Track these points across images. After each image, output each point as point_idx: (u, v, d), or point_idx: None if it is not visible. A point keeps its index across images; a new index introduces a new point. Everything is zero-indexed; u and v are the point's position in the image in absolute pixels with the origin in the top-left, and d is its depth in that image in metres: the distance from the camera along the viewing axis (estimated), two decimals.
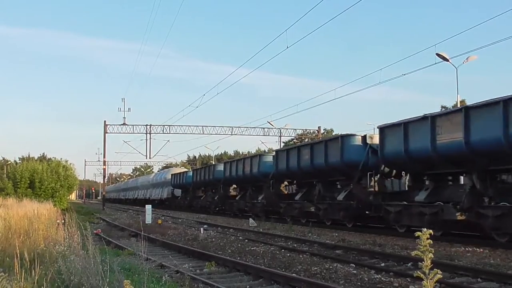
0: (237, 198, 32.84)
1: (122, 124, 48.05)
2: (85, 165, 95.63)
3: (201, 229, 19.70)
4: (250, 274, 9.66)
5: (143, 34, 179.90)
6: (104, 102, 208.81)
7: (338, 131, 66.17)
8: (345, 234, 17.86)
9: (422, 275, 2.83)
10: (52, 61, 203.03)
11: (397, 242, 14.65)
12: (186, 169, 57.32)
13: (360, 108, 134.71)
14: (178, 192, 49.75)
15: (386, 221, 18.17)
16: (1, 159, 69.13)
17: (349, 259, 11.58)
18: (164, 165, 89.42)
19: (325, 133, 62.64)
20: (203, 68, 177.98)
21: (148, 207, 26.17)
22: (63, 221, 11.61)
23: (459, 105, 33.79)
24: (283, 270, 10.05)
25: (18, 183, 38.07)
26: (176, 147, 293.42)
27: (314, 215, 22.92)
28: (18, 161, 54.56)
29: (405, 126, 15.93)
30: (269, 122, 49.30)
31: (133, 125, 48.36)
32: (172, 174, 51.14)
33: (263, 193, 27.73)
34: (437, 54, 26.72)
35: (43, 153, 63.59)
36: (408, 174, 16.88)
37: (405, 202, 16.72)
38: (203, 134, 49.47)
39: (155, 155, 52.97)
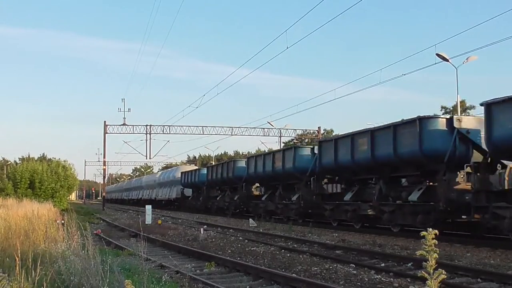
0: (263, 198, 28.70)
1: (122, 125, 48.08)
2: (85, 165, 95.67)
3: (201, 229, 19.69)
4: (250, 274, 9.66)
5: (143, 34, 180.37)
6: (104, 102, 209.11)
7: (338, 131, 66.23)
8: (345, 235, 17.86)
9: (426, 275, 2.82)
10: (52, 61, 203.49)
11: (397, 243, 14.66)
12: (196, 167, 53.70)
13: (360, 108, 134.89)
14: (188, 191, 46.04)
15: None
16: (1, 159, 69.18)
17: (349, 259, 11.57)
18: (164, 165, 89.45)
19: (325, 133, 62.62)
20: (203, 68, 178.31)
21: (148, 207, 26.17)
22: (63, 221, 11.62)
23: (459, 105, 33.85)
24: (283, 270, 10.05)
25: (18, 183, 38.07)
26: (176, 147, 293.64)
27: (372, 219, 19.53)
28: (18, 162, 54.57)
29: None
30: (269, 123, 49.34)
31: (133, 126, 48.41)
32: (182, 172, 46.85)
33: (297, 192, 24.41)
34: (437, 54, 26.73)
35: (43, 154, 63.63)
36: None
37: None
38: (203, 134, 49.54)
39: (155, 155, 53.00)
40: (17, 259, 5.83)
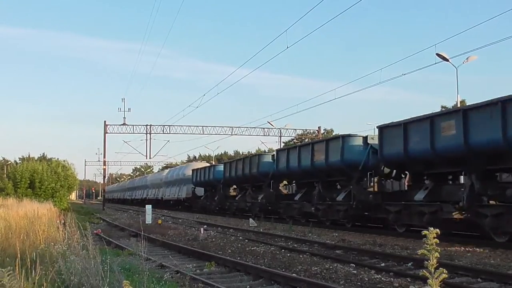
0: (296, 198, 24.72)
1: (122, 124, 48.08)
2: (85, 165, 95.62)
3: (201, 229, 19.69)
4: (250, 274, 9.65)
5: (143, 34, 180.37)
6: (104, 102, 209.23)
7: (338, 131, 66.27)
8: (345, 234, 17.86)
9: (427, 274, 2.82)
10: (52, 61, 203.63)
11: (397, 242, 14.65)
12: (208, 164, 49.98)
13: (360, 108, 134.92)
14: (200, 191, 42.40)
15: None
16: (1, 159, 69.15)
17: (349, 259, 11.57)
18: (164, 165, 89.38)
19: (325, 133, 62.65)
20: (203, 68, 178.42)
21: (148, 207, 26.17)
22: (63, 221, 11.61)
23: (459, 105, 33.86)
24: (283, 270, 10.05)
25: (18, 183, 38.06)
26: (176, 147, 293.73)
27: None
28: (18, 161, 54.51)
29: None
30: (269, 122, 49.35)
31: (133, 125, 48.40)
32: (193, 170, 43.35)
33: (344, 191, 20.62)
34: (437, 54, 26.72)
35: (43, 153, 63.53)
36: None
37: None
38: (203, 134, 49.53)
39: (155, 155, 52.92)
40: (17, 258, 5.83)
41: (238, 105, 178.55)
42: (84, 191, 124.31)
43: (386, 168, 18.35)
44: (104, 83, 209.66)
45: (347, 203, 19.88)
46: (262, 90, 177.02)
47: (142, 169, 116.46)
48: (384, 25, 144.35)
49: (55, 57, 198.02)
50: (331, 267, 10.33)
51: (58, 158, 45.06)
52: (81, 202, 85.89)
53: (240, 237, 17.41)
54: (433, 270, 2.81)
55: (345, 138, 20.16)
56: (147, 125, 48.15)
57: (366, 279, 8.97)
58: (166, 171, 60.48)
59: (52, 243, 8.58)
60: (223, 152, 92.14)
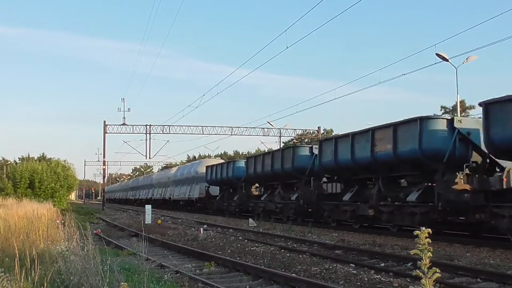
0: (346, 198, 20.25)
1: (121, 124, 48.04)
2: (84, 165, 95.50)
3: (201, 229, 19.69)
4: (249, 274, 9.66)
5: (143, 34, 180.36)
6: (104, 102, 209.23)
7: (337, 131, 66.17)
8: (345, 234, 17.86)
9: (421, 274, 2.83)
10: (52, 61, 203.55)
11: (396, 242, 14.65)
12: (222, 160, 46.61)
13: (360, 108, 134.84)
14: (215, 190, 38.28)
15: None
16: (1, 159, 69.04)
17: (348, 259, 11.58)
18: (164, 165, 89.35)
19: (324, 133, 62.63)
20: (203, 68, 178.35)
21: (148, 207, 26.15)
22: (62, 221, 11.62)
23: (459, 105, 33.84)
24: (283, 270, 10.06)
25: (18, 183, 38.08)
26: (175, 147, 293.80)
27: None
28: (18, 161, 54.51)
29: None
30: (268, 122, 49.31)
31: (132, 125, 48.36)
32: (208, 167, 39.10)
33: (420, 189, 16.57)
34: (437, 54, 26.71)
35: (43, 153, 63.41)
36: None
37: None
38: (203, 134, 49.45)
39: (154, 155, 52.80)
40: (16, 258, 5.84)
41: (238, 105, 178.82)
42: (83, 191, 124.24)
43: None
44: (103, 83, 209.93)
45: (426, 205, 15.78)
46: (261, 90, 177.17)
47: (142, 169, 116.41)
48: (384, 25, 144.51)
49: (55, 57, 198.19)
50: (330, 267, 10.33)
51: (59, 158, 45.10)
52: (80, 202, 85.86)
53: (240, 237, 17.41)
54: (426, 270, 2.82)
55: (423, 121, 15.96)
56: (146, 125, 48.13)
57: (366, 279, 8.98)
58: (175, 168, 55.94)
59: (52, 243, 8.59)
60: (222, 152, 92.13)
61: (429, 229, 2.89)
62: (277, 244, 14.94)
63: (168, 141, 74.08)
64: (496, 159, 14.47)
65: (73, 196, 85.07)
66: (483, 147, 14.62)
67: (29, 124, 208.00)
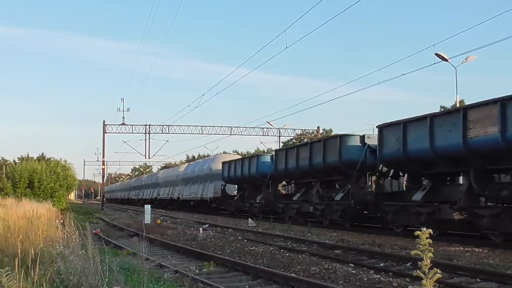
0: (418, 197, 16.25)
1: (121, 124, 48.05)
2: (84, 165, 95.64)
3: (200, 229, 19.69)
4: (249, 274, 9.66)
5: (142, 34, 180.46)
6: (103, 102, 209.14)
7: (337, 131, 66.20)
8: (344, 234, 17.86)
9: (421, 275, 2.83)
10: (51, 61, 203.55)
11: (396, 242, 14.66)
12: (238, 156, 42.63)
13: (359, 108, 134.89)
14: (231, 189, 34.81)
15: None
16: (0, 159, 69.01)
17: (348, 259, 11.58)
18: (164, 165, 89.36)
19: (324, 133, 62.64)
20: (203, 68, 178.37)
21: (147, 207, 26.14)
22: (62, 221, 11.61)
23: (458, 105, 33.85)
24: (282, 270, 10.05)
25: (17, 183, 38.04)
26: (175, 147, 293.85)
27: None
28: (17, 161, 54.45)
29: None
30: (268, 122, 49.32)
31: (132, 125, 48.38)
32: (224, 163, 34.78)
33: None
34: (436, 54, 26.72)
35: (42, 153, 63.29)
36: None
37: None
38: (202, 134, 49.48)
39: (154, 155, 52.87)
40: (16, 258, 5.83)
41: (237, 105, 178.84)
42: (83, 191, 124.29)
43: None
44: (103, 83, 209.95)
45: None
46: (261, 90, 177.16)
47: (141, 169, 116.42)
48: (383, 25, 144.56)
49: (55, 57, 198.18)
50: (330, 267, 10.34)
51: (61, 158, 45.07)
52: (80, 202, 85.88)
53: (239, 237, 17.41)
54: (427, 271, 2.82)
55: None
56: (146, 125, 48.15)
57: (365, 279, 8.98)
58: (184, 165, 52.47)
59: (51, 243, 8.58)
60: (222, 152, 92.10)
61: (430, 230, 2.89)
62: (277, 244, 14.94)
63: (167, 141, 73.77)
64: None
65: (72, 196, 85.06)
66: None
67: (29, 124, 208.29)
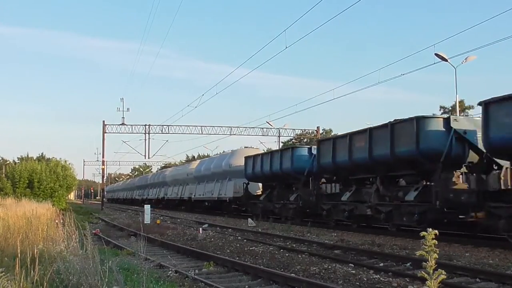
0: None
1: (121, 124, 47.99)
2: (83, 165, 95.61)
3: (200, 229, 19.69)
4: (249, 274, 9.66)
5: (142, 34, 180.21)
6: (103, 102, 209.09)
7: (337, 131, 66.19)
8: (344, 234, 17.86)
9: (426, 275, 2.82)
10: (51, 61, 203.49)
11: (396, 242, 14.66)
12: (262, 150, 36.19)
13: (359, 108, 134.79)
14: (254, 188, 30.97)
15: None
16: (0, 159, 69.06)
17: (347, 259, 11.58)
18: (163, 165, 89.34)
19: (323, 133, 62.63)
20: (202, 68, 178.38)
21: (147, 207, 26.13)
22: (62, 221, 11.61)
23: (458, 105, 33.85)
24: (282, 270, 10.06)
25: (17, 183, 38.08)
26: (175, 147, 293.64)
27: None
28: (17, 161, 54.49)
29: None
30: (268, 122, 49.30)
31: (132, 125, 48.31)
32: (247, 158, 30.31)
33: None
34: (436, 54, 26.71)
35: (42, 153, 63.36)
36: None
37: None
38: (202, 134, 49.41)
39: (154, 155, 52.83)
40: (16, 258, 5.83)
41: (237, 105, 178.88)
42: (82, 191, 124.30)
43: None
44: (103, 83, 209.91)
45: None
46: (261, 90, 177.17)
47: (141, 169, 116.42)
48: (383, 25, 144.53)
49: (54, 57, 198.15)
50: (329, 267, 10.34)
51: (60, 158, 45.10)
52: (80, 202, 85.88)
53: (239, 237, 17.41)
54: (431, 271, 2.81)
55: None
56: (145, 125, 48.07)
57: (365, 279, 8.98)
58: (196, 162, 47.82)
59: (51, 243, 8.58)
60: (222, 152, 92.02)
61: (436, 231, 2.88)
62: (276, 244, 14.94)
63: (167, 141, 73.83)
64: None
65: (72, 196, 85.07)
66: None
67: (29, 124, 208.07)
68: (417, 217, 15.68)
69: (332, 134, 61.28)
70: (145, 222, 23.14)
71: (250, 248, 14.00)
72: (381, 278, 9.05)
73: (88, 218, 28.74)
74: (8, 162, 58.50)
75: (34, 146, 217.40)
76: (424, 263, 2.86)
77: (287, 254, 12.62)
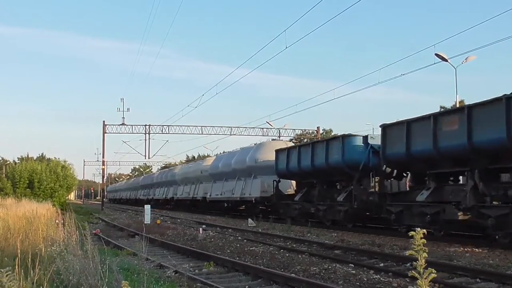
0: None
1: (121, 124, 47.98)
2: (84, 165, 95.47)
3: (200, 229, 19.68)
4: (249, 274, 9.66)
5: (142, 34, 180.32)
6: (103, 102, 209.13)
7: (337, 131, 66.22)
8: (344, 234, 17.85)
9: (416, 275, 2.84)
10: (51, 61, 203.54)
11: (396, 243, 14.65)
12: (292, 143, 33.00)
13: (359, 108, 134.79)
14: (285, 186, 26.44)
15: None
16: (0, 159, 69.05)
17: (348, 259, 11.58)
18: (163, 165, 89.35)
19: (324, 133, 62.63)
20: (202, 68, 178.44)
21: (147, 207, 26.08)
22: (62, 221, 11.61)
23: (458, 105, 33.82)
24: (282, 270, 10.06)
25: (17, 183, 38.10)
26: (175, 147, 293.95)
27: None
28: (17, 161, 54.49)
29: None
30: (268, 122, 49.29)
31: (132, 125, 48.29)
32: (279, 151, 25.81)
33: None
34: (436, 54, 26.69)
35: (42, 153, 63.35)
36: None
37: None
38: (202, 134, 49.38)
39: (154, 155, 52.74)
40: (16, 258, 5.83)
41: (237, 105, 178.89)
42: (83, 191, 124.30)
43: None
44: (103, 83, 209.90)
45: None
46: (261, 90, 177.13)
47: (141, 169, 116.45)
48: (383, 25, 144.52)
49: (54, 57, 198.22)
50: (330, 267, 10.34)
51: (59, 158, 45.12)
52: (80, 202, 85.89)
53: (239, 237, 17.40)
54: (422, 271, 2.83)
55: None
56: (146, 125, 48.07)
57: (365, 279, 8.98)
58: (211, 158, 43.20)
59: (51, 243, 8.58)
60: (221, 152, 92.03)
61: (424, 230, 2.90)
62: (276, 244, 14.94)
63: (167, 141, 73.69)
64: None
65: (72, 196, 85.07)
66: None
67: (29, 124, 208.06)
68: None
69: (332, 134, 61.30)
70: (145, 222, 23.14)
71: (250, 248, 14.00)
72: (381, 278, 9.05)
73: (88, 218, 28.74)
74: (8, 162, 58.48)
75: (34, 146, 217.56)
76: (414, 262, 2.88)
77: (287, 254, 12.62)
